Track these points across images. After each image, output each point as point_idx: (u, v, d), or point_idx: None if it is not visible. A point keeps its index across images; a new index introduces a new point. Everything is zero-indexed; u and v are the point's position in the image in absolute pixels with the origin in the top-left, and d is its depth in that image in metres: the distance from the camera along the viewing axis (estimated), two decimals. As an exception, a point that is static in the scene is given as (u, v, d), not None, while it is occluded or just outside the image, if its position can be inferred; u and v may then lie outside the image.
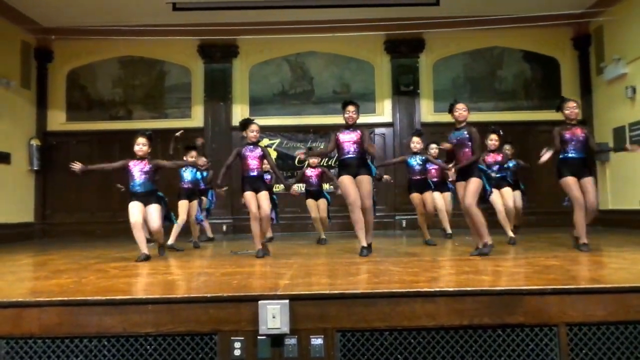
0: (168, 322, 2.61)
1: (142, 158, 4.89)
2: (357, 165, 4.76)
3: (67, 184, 9.39)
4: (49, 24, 9.07)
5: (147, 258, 4.66)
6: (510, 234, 5.63)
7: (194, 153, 6.53)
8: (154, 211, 4.83)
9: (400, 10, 8.81)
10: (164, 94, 9.77)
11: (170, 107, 9.74)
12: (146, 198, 4.81)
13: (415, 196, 6.11)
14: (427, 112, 9.56)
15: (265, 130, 9.59)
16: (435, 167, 6.38)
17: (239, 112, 9.61)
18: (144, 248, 4.74)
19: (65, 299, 2.70)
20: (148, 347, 2.65)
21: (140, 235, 4.76)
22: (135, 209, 4.75)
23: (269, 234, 6.83)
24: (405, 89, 9.42)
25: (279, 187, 7.51)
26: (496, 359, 2.62)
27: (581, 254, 4.43)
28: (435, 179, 6.51)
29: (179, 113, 9.71)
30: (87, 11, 8.52)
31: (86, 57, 9.68)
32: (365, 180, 4.72)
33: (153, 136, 5.04)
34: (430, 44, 9.56)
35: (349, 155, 4.79)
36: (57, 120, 9.60)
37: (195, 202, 6.38)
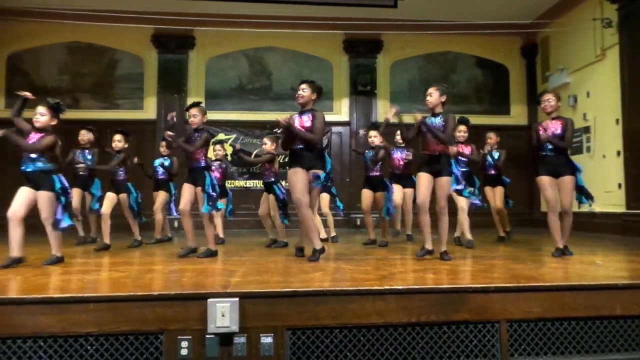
0: (111, 322, 2.50)
1: (39, 130, 3.96)
2: (309, 157, 4.15)
3: (12, 174, 8.81)
4: (-13, 3, 8.46)
5: (17, 262, 3.76)
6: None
7: (118, 137, 5.48)
8: (44, 199, 3.85)
9: (359, 10, 8.89)
10: (114, 84, 9.35)
11: (121, 97, 9.34)
12: (38, 181, 3.88)
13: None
14: (383, 112, 9.68)
15: (221, 125, 9.44)
16: (400, 156, 5.99)
17: (194, 105, 9.39)
18: (15, 250, 3.77)
19: (-2, 297, 2.54)
20: (89, 347, 2.53)
21: (16, 235, 3.77)
22: (20, 197, 3.83)
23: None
24: (362, 89, 9.53)
25: (234, 183, 7.34)
26: (441, 355, 2.70)
27: (523, 253, 4.64)
28: (398, 171, 6.06)
29: (131, 104, 9.34)
30: (31, -9, 8.01)
31: (29, 41, 9.09)
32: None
33: (61, 107, 4.14)
34: (388, 45, 9.72)
35: (300, 145, 4.18)
36: (-5, 107, 8.98)
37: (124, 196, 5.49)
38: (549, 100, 4.41)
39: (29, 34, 9.00)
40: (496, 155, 6.04)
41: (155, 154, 8.20)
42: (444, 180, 4.15)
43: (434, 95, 4.15)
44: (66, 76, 9.26)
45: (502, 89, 10.05)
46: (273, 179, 5.59)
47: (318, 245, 4.10)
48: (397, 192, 5.92)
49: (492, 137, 6.09)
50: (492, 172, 6.02)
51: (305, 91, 4.27)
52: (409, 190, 5.89)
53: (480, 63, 10.04)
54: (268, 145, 5.68)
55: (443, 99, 4.15)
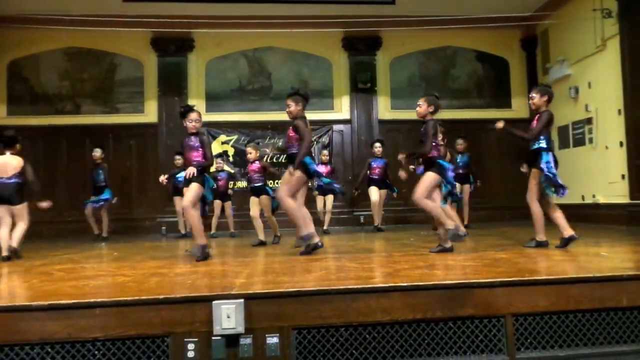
0: (117, 326, 2.51)
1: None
2: (290, 159, 4.61)
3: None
4: (-15, 11, 8.49)
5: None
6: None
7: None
8: None
9: (357, 8, 8.88)
10: (114, 88, 9.38)
11: (122, 101, 9.37)
12: None
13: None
14: (384, 109, 9.70)
15: (222, 126, 9.46)
16: (378, 165, 7.56)
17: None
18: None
19: (5, 304, 2.55)
20: (96, 352, 2.54)
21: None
22: None
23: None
24: (363, 86, 9.51)
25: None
26: (448, 351, 2.70)
27: (527, 247, 4.63)
28: (375, 177, 7.54)
29: (131, 108, 9.36)
30: (29, -2, 8.04)
31: (28, 48, 9.13)
32: (284, 174, 4.58)
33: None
34: (387, 42, 9.70)
35: (290, 151, 4.63)
36: (-3, 115, 9.02)
37: None
38: (530, 98, 4.56)
39: (29, 41, 9.03)
40: (465, 158, 7.43)
41: (157, 157, 8.23)
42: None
43: (422, 106, 4.45)
44: (66, 82, 9.29)
45: (502, 82, 10.02)
46: (262, 183, 5.90)
47: (308, 230, 4.52)
48: (375, 193, 7.42)
49: (461, 143, 7.55)
50: (460, 171, 7.22)
51: (290, 107, 4.59)
52: (383, 192, 7.54)
53: (480, 57, 10.01)
54: (253, 153, 6.01)
55: (431, 109, 4.43)
